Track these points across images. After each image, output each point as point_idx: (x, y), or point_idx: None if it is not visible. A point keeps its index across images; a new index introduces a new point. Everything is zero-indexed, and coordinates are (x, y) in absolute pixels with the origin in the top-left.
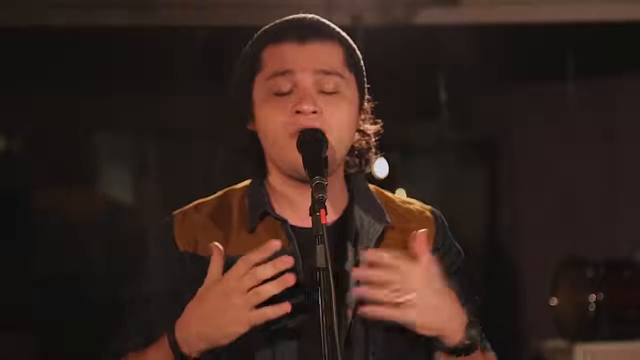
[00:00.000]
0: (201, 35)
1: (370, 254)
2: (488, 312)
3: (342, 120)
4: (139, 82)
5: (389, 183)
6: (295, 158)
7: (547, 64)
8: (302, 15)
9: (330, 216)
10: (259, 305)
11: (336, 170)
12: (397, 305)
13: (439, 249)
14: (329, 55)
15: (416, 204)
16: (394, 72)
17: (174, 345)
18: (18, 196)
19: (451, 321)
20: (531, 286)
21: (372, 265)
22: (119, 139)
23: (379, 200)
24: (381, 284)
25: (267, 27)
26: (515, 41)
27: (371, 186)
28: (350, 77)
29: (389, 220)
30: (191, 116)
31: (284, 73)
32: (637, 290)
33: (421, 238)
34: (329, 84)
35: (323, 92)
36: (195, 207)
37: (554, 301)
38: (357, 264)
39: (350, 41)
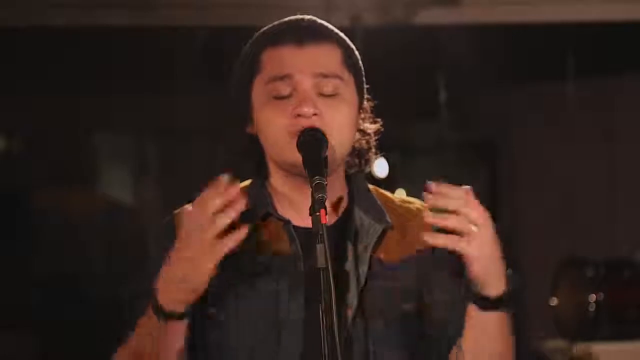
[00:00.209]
0: (201, 35)
1: (436, 187)
2: None
3: (342, 122)
4: (139, 82)
5: (389, 183)
6: (296, 159)
7: (547, 64)
8: (299, 16)
9: (331, 216)
10: None
11: (336, 170)
12: (461, 235)
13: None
14: (327, 57)
15: (416, 203)
16: (394, 72)
17: (155, 302)
18: (18, 196)
19: (498, 268)
20: (531, 286)
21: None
22: (119, 139)
23: (379, 201)
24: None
25: (265, 29)
26: (515, 41)
27: (370, 186)
28: (349, 78)
29: (389, 220)
30: (191, 116)
31: (283, 77)
32: (637, 290)
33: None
34: (328, 86)
35: (322, 95)
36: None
37: (554, 301)
38: (356, 262)
39: (349, 41)
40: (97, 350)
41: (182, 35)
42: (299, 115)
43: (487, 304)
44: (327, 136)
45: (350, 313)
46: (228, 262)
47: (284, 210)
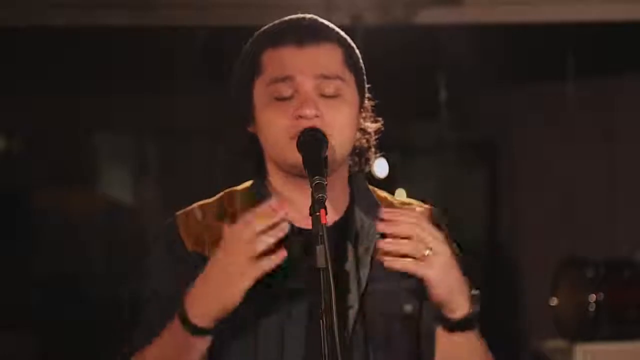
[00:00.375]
0: (201, 35)
1: (387, 213)
2: (488, 312)
3: (343, 122)
4: (139, 82)
5: (389, 183)
6: (296, 159)
7: (547, 64)
8: (300, 16)
9: (331, 216)
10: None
11: (338, 171)
12: (416, 260)
13: None
14: (328, 57)
15: (414, 204)
16: (394, 72)
17: (184, 316)
18: (18, 196)
19: (460, 289)
20: (531, 286)
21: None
22: (119, 139)
23: (379, 201)
24: (402, 239)
25: (265, 28)
26: (515, 41)
27: (370, 187)
28: (350, 77)
29: None
30: (191, 116)
31: (284, 79)
32: (637, 290)
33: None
34: (330, 87)
35: (324, 96)
36: (199, 207)
37: (554, 301)
38: (357, 264)
39: (349, 41)
40: (97, 350)
41: (182, 35)
42: (300, 117)
43: (453, 325)
44: (328, 137)
45: (351, 315)
46: None
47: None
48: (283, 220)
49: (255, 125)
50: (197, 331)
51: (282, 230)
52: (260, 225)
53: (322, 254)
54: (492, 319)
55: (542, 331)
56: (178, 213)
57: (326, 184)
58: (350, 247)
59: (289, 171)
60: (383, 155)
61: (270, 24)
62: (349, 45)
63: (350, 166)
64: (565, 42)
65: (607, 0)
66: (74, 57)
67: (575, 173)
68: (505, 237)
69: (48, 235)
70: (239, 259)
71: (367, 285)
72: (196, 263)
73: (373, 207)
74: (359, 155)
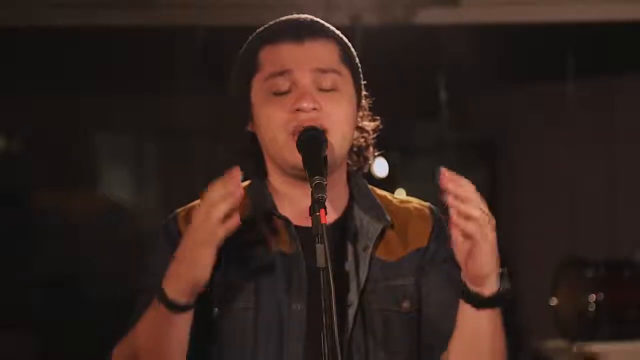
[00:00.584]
0: (201, 35)
1: (449, 173)
2: None
3: (342, 116)
4: (139, 82)
5: (389, 183)
6: (294, 156)
7: (547, 64)
8: (296, 15)
9: (331, 215)
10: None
11: (337, 170)
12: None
13: (434, 243)
14: (325, 52)
15: (414, 202)
16: (394, 72)
17: (161, 293)
18: (18, 196)
19: (497, 265)
20: (531, 286)
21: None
22: (119, 139)
23: (378, 200)
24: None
25: (262, 28)
26: (515, 41)
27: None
28: (346, 73)
29: (388, 219)
30: (191, 116)
31: (282, 73)
32: (637, 290)
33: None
34: (327, 81)
35: (321, 90)
36: (199, 204)
37: (554, 301)
38: (356, 262)
39: (345, 39)
40: (97, 350)
41: (182, 35)
42: (298, 110)
43: (482, 302)
44: (328, 131)
45: (350, 313)
46: (230, 261)
47: (284, 210)
48: (237, 187)
49: (254, 124)
50: (173, 306)
51: (235, 197)
52: (215, 194)
53: (322, 254)
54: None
55: (542, 331)
56: (178, 210)
57: (326, 184)
58: (349, 246)
59: (289, 172)
60: (383, 155)
61: (266, 25)
62: (345, 43)
63: (349, 165)
64: (565, 42)
65: (607, 0)
66: (74, 57)
67: (575, 173)
68: (505, 237)
69: (48, 235)
70: (200, 229)
71: (365, 283)
72: None
73: (373, 206)
74: (358, 154)
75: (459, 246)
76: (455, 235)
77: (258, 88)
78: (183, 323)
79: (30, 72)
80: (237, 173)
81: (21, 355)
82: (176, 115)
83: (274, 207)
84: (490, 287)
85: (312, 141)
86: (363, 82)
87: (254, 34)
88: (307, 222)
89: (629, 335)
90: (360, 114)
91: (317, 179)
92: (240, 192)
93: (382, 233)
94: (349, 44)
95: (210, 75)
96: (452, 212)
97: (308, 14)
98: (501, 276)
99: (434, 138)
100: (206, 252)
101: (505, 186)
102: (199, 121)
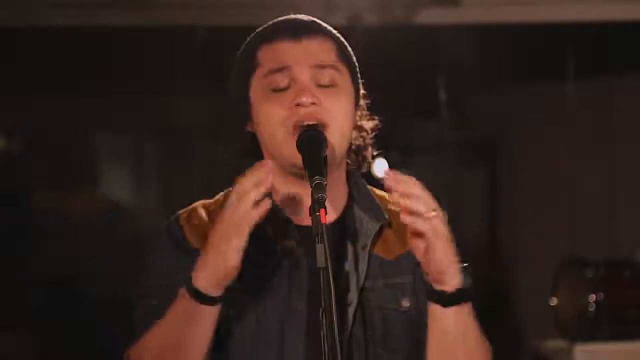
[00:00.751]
0: (201, 35)
1: (391, 172)
2: (488, 312)
3: (341, 112)
4: (139, 82)
5: None
6: (293, 153)
7: (547, 64)
8: (293, 16)
9: (331, 215)
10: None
11: (337, 169)
12: (424, 219)
13: None
14: (322, 49)
15: None
16: (394, 72)
17: (190, 286)
18: (18, 196)
19: (454, 259)
20: (531, 286)
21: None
22: (119, 139)
23: (377, 200)
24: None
25: (259, 28)
26: (515, 41)
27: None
28: (344, 70)
29: (386, 217)
30: (191, 116)
31: (280, 69)
32: (637, 290)
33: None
34: (325, 77)
35: (320, 86)
36: (202, 206)
37: (554, 301)
38: (355, 261)
39: (342, 38)
40: (97, 350)
41: (182, 35)
42: (297, 105)
43: (448, 298)
44: (328, 127)
45: (350, 311)
46: None
47: (286, 209)
48: (267, 175)
49: (253, 123)
50: (202, 298)
51: (266, 185)
52: (246, 182)
53: (322, 254)
54: (492, 319)
55: (542, 331)
56: (180, 212)
57: (326, 184)
58: (349, 245)
59: (288, 169)
60: (382, 155)
61: (264, 25)
62: (342, 42)
63: (348, 165)
64: (565, 42)
65: (607, 0)
66: (74, 57)
67: (575, 173)
68: (505, 237)
69: (48, 235)
70: (233, 216)
71: (365, 281)
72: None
73: (372, 206)
74: (357, 153)
75: (415, 245)
76: (410, 236)
77: (257, 86)
78: (211, 317)
79: (30, 72)
80: (267, 162)
81: (21, 355)
82: (176, 115)
83: (275, 206)
84: (451, 283)
85: (312, 141)
86: (361, 81)
87: (252, 34)
88: (308, 221)
89: (629, 335)
90: (359, 113)
91: (317, 179)
92: (270, 180)
93: (381, 232)
94: (346, 43)
95: (210, 75)
96: (401, 211)
97: (307, 14)
98: (463, 271)
99: (433, 138)
100: (237, 241)
101: (505, 186)
102: (199, 121)
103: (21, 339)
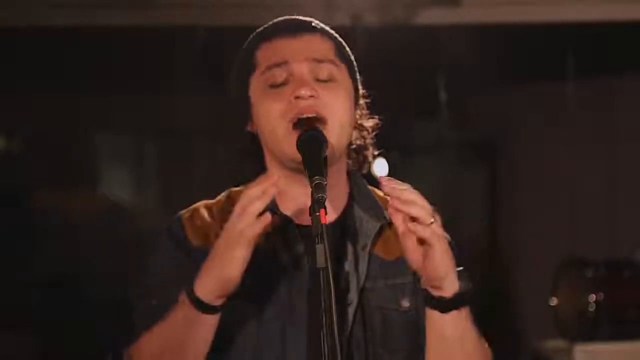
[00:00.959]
0: (201, 35)
1: (387, 179)
2: (488, 312)
3: (339, 106)
4: (139, 82)
5: None
6: (294, 151)
7: (547, 64)
8: (291, 16)
9: (331, 215)
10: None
11: (337, 169)
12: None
13: None
14: (320, 44)
15: None
16: (393, 71)
17: (191, 293)
18: (18, 196)
19: (453, 265)
20: (531, 286)
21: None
22: (119, 139)
23: (378, 200)
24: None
25: (258, 30)
26: (515, 41)
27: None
28: (343, 67)
29: (386, 217)
30: (191, 116)
31: (279, 64)
32: (637, 290)
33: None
34: (323, 71)
35: (319, 80)
36: (204, 206)
37: (554, 301)
38: (355, 261)
39: (340, 38)
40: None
41: (182, 35)
42: (296, 98)
43: (446, 304)
44: (325, 120)
45: (350, 311)
46: None
47: (286, 208)
48: (272, 186)
49: (253, 123)
50: (204, 307)
51: (269, 194)
52: (252, 192)
53: (322, 254)
54: (492, 319)
55: (542, 331)
56: (182, 212)
57: (326, 184)
58: (349, 245)
59: (288, 165)
60: (382, 155)
61: (263, 26)
62: (340, 41)
63: (349, 165)
64: (565, 42)
65: (607, 0)
66: (74, 57)
67: (575, 173)
68: (505, 237)
69: (48, 235)
70: (237, 225)
71: (365, 281)
72: (202, 259)
73: (372, 206)
74: (357, 153)
75: (413, 252)
76: (407, 243)
77: (256, 84)
78: (211, 324)
79: (30, 72)
80: (273, 174)
81: (21, 355)
82: (176, 115)
83: (276, 205)
84: (450, 288)
85: (312, 141)
86: (360, 80)
87: (251, 35)
88: (309, 221)
89: (629, 335)
90: (359, 112)
91: (317, 179)
92: (274, 191)
93: (381, 232)
94: (344, 43)
95: (210, 75)
96: (398, 220)
97: (308, 14)
98: (460, 276)
99: (433, 138)
100: (240, 250)
101: (505, 186)
102: (199, 121)
103: (21, 339)
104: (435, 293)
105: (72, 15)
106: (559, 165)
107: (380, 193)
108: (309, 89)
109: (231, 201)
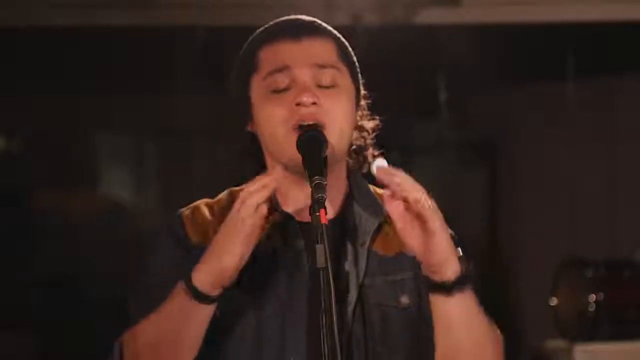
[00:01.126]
0: (201, 35)
1: (383, 169)
2: (488, 313)
3: (340, 113)
4: (139, 82)
5: None
6: (294, 153)
7: (547, 64)
8: (293, 16)
9: (330, 212)
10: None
11: (337, 169)
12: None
13: None
14: (323, 49)
15: None
16: (394, 72)
17: (188, 281)
18: (18, 196)
19: (453, 247)
20: (531, 286)
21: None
22: (119, 139)
23: (378, 198)
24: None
25: (260, 29)
26: (515, 41)
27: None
28: (344, 70)
29: (385, 213)
30: (191, 116)
31: (281, 69)
32: (637, 290)
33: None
34: (326, 77)
35: (321, 87)
36: (204, 203)
37: (554, 301)
38: (355, 258)
39: (342, 38)
40: (97, 350)
41: (182, 35)
42: (298, 105)
43: (450, 287)
44: (328, 127)
45: (349, 309)
46: None
47: (287, 206)
48: (272, 181)
49: (254, 123)
50: (202, 297)
51: (269, 189)
52: (252, 186)
53: (321, 254)
54: (492, 319)
55: (542, 331)
56: (182, 210)
57: (326, 184)
58: (348, 243)
59: (288, 166)
60: (383, 155)
61: (265, 26)
62: (342, 42)
63: (348, 164)
64: (565, 42)
65: (607, 0)
66: (74, 57)
67: (575, 173)
68: (505, 237)
69: (48, 235)
70: (235, 217)
71: (364, 277)
72: (199, 256)
73: (372, 204)
74: (358, 153)
75: (412, 238)
76: (404, 229)
77: (257, 87)
78: (206, 314)
79: (30, 72)
80: (274, 171)
81: (21, 355)
82: (176, 115)
83: (277, 203)
84: (452, 270)
85: (312, 141)
86: (362, 81)
87: (252, 35)
88: (309, 218)
89: (629, 335)
90: (360, 113)
91: (317, 179)
92: (274, 185)
93: (380, 228)
94: (346, 43)
95: (210, 75)
96: (392, 205)
97: (308, 14)
98: (460, 260)
99: (433, 138)
100: (237, 241)
101: (505, 186)
102: (199, 121)
103: (21, 339)
104: (439, 279)
105: (72, 15)
106: (559, 165)
107: (380, 191)
108: (311, 95)
109: (232, 200)
